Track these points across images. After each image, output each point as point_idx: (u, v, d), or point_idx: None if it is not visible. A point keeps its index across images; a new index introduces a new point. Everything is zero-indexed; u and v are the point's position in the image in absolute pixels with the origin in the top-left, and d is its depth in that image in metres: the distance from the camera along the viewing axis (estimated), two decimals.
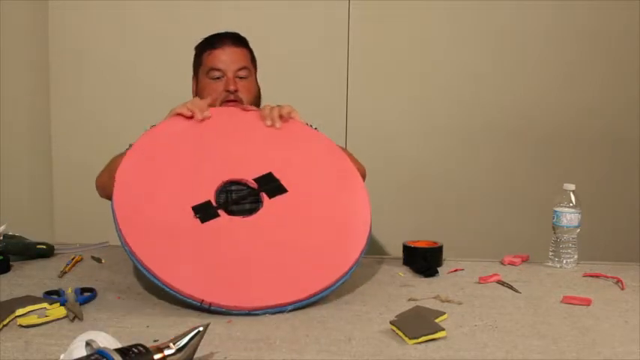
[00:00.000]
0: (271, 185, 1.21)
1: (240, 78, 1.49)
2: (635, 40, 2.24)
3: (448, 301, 1.10)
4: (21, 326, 0.93)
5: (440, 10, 2.22)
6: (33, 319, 0.94)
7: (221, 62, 1.49)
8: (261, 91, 1.59)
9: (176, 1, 2.19)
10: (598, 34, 2.24)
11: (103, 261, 1.34)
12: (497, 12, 2.22)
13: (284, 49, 2.14)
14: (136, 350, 0.72)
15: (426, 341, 0.90)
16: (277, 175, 1.22)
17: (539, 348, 0.89)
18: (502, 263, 1.39)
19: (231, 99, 1.47)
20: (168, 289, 1.04)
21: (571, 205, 1.36)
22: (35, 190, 2.24)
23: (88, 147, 2.20)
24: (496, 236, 2.22)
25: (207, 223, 1.12)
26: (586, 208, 1.38)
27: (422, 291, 1.16)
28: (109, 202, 1.16)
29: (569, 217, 1.36)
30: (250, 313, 1.02)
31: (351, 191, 1.26)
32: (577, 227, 1.37)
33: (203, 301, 1.01)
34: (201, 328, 0.80)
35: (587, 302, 1.10)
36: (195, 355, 0.80)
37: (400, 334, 0.91)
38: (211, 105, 1.37)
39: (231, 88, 1.47)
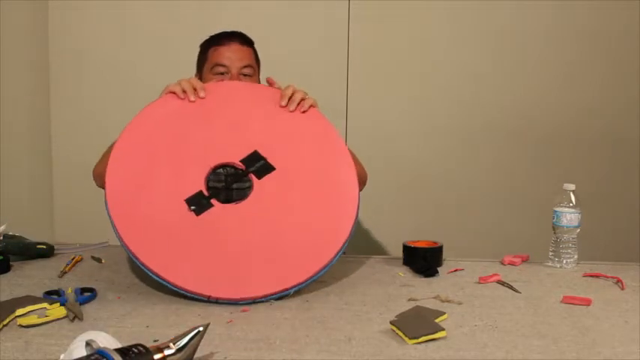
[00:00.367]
0: (258, 165, 1.20)
1: (244, 76, 1.49)
2: (635, 40, 2.24)
3: (448, 301, 1.10)
4: (21, 326, 0.93)
5: (440, 10, 2.22)
6: (33, 319, 0.94)
7: (226, 59, 1.49)
8: None
9: (176, 1, 2.19)
10: (598, 34, 2.24)
11: (103, 261, 1.34)
12: (497, 12, 2.22)
13: (284, 48, 2.14)
14: (136, 350, 0.72)
15: (426, 341, 0.90)
16: (263, 152, 1.21)
17: (539, 348, 0.89)
18: (502, 263, 1.39)
19: None
20: (174, 288, 1.06)
21: (571, 205, 1.36)
22: (35, 190, 2.24)
23: (88, 147, 2.18)
24: (496, 236, 2.22)
25: (202, 215, 1.13)
26: (586, 208, 1.38)
27: (422, 291, 1.16)
28: None
29: (569, 217, 1.36)
30: (255, 301, 1.04)
31: (335, 155, 1.24)
32: (577, 227, 1.37)
33: (210, 296, 1.04)
34: (201, 328, 0.80)
35: (587, 302, 1.10)
36: (195, 355, 0.80)
37: (400, 334, 0.91)
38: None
39: None
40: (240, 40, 1.53)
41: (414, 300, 1.10)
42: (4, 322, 0.93)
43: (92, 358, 0.69)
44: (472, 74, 2.25)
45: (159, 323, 0.97)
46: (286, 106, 1.28)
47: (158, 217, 1.11)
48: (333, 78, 2.24)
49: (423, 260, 1.32)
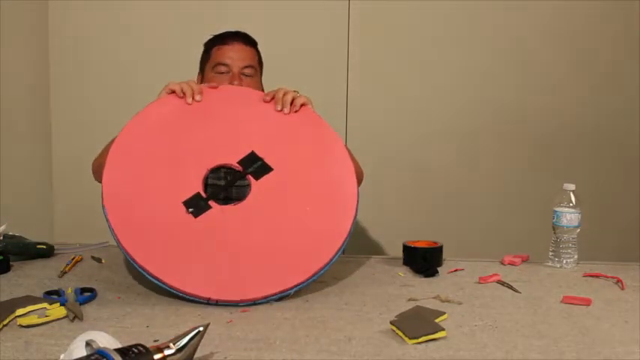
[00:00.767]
0: (256, 166, 1.19)
1: (246, 76, 1.49)
2: (634, 40, 2.24)
3: (448, 301, 1.10)
4: (21, 326, 0.93)
5: (440, 10, 2.22)
6: (33, 319, 0.94)
7: (228, 58, 1.49)
8: (263, 91, 1.58)
9: (176, 1, 2.19)
10: (597, 34, 2.24)
11: (103, 261, 1.34)
12: (497, 12, 2.23)
13: (284, 48, 2.14)
14: (136, 350, 0.72)
15: (426, 341, 0.90)
16: (260, 153, 1.20)
17: (539, 348, 0.89)
18: (502, 263, 1.39)
19: None
20: (173, 291, 1.06)
21: (571, 205, 1.36)
22: (35, 190, 2.24)
23: (88, 147, 2.18)
24: (496, 236, 2.23)
25: (200, 217, 1.12)
26: (586, 208, 1.38)
27: (422, 291, 1.16)
28: None
29: (569, 217, 1.36)
30: (256, 302, 1.04)
31: (332, 153, 1.23)
32: (577, 227, 1.37)
33: (210, 298, 1.04)
34: (201, 328, 0.80)
35: (587, 302, 1.10)
36: (195, 355, 0.80)
37: (400, 334, 0.91)
38: (212, 88, 1.34)
39: (236, 83, 1.47)
40: (244, 40, 1.53)
41: (414, 300, 1.10)
42: (4, 322, 0.93)
43: (92, 358, 0.69)
44: (472, 74, 2.26)
45: (159, 323, 0.97)
46: (281, 110, 1.28)
47: (156, 220, 1.11)
48: (333, 78, 2.24)
49: (423, 260, 1.32)
